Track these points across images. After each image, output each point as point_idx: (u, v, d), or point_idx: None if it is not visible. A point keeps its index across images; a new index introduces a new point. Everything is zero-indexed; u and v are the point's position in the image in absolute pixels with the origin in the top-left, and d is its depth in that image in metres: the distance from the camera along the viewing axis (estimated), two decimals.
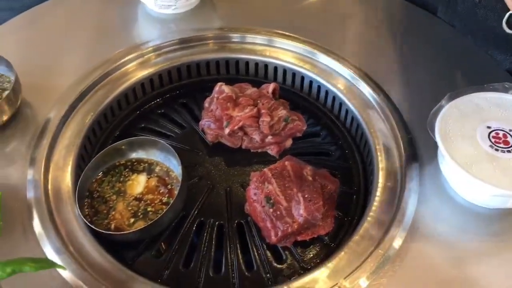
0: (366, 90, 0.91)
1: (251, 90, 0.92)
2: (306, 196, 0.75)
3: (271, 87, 0.92)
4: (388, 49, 0.98)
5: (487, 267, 0.70)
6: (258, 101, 0.89)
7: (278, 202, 0.75)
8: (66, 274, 0.68)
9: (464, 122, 0.74)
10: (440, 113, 0.75)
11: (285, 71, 0.99)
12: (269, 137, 0.87)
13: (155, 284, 0.69)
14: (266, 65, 1.00)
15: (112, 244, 0.75)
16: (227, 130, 0.86)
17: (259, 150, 0.89)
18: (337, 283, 0.68)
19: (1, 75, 0.90)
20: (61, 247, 0.71)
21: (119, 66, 0.95)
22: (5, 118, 0.85)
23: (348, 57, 0.96)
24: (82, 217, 0.74)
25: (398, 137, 0.84)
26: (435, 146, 0.78)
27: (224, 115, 0.86)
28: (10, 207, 0.75)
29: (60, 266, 0.58)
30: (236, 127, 0.86)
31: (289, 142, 0.90)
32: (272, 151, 0.88)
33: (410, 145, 0.83)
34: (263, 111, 0.87)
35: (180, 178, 0.79)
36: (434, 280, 0.69)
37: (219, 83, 0.92)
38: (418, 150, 0.82)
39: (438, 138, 0.72)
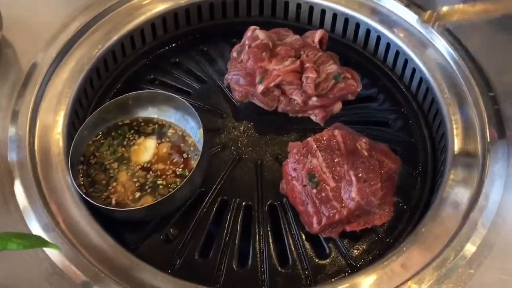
0: (442, 45, 0.89)
1: (292, 37, 0.91)
2: (360, 175, 0.74)
3: (317, 34, 0.90)
4: None
5: None
6: (302, 52, 0.87)
7: (323, 181, 0.75)
8: (56, 256, 0.68)
9: None
10: None
11: (335, 15, 0.98)
12: (314, 98, 0.85)
13: (164, 274, 0.69)
14: (311, 7, 0.98)
15: (112, 222, 0.75)
16: (260, 87, 0.84)
17: (300, 115, 0.88)
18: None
19: None
20: (50, 222, 0.71)
21: (119, 3, 0.94)
22: None
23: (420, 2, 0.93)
24: (76, 186, 0.74)
25: (481, 108, 0.83)
26: None
27: (257, 68, 0.85)
28: None
29: (53, 246, 0.58)
30: (272, 84, 0.84)
31: (338, 107, 0.88)
32: (317, 116, 0.87)
33: (496, 119, 0.81)
34: (307, 64, 0.85)
35: (199, 146, 0.78)
36: None
37: (252, 27, 0.90)
38: (506, 124, 0.80)
39: None
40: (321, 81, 0.85)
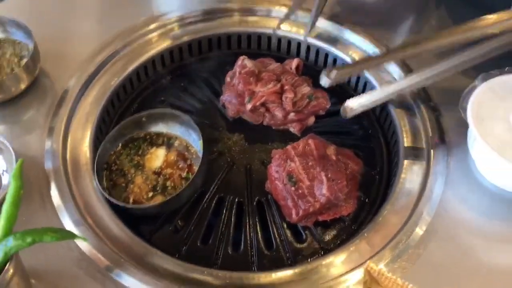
0: (393, 68, 0.89)
1: (274, 65, 0.90)
2: (329, 175, 0.73)
3: (294, 62, 0.90)
4: (416, 25, 0.95)
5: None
6: (282, 77, 0.87)
7: (300, 181, 0.74)
8: (84, 246, 0.68)
9: (498, 104, 0.71)
10: (473, 94, 0.72)
11: (308, 47, 0.97)
12: (292, 114, 0.85)
13: (173, 259, 0.68)
14: (289, 41, 0.98)
15: (130, 217, 0.74)
16: (249, 106, 0.84)
17: (281, 127, 0.87)
18: (358, 266, 0.67)
19: (19, 42, 0.89)
20: (79, 218, 0.70)
21: (139, 37, 0.94)
22: (23, 86, 0.84)
23: (374, 34, 0.93)
24: (101, 189, 0.73)
25: (425, 118, 0.82)
26: (464, 128, 0.76)
27: (246, 90, 0.84)
28: (28, 177, 0.74)
29: (81, 238, 0.57)
30: (258, 103, 0.84)
31: (311, 120, 0.88)
32: (294, 128, 0.86)
33: (438, 126, 0.81)
34: (286, 87, 0.85)
35: (200, 154, 0.77)
36: (460, 267, 0.67)
37: (242, 57, 0.89)
38: (446, 131, 0.80)
39: (470, 120, 0.70)
40: (298, 100, 0.85)
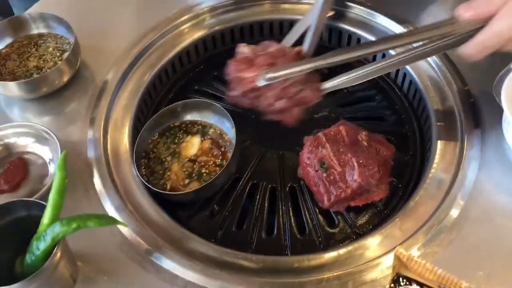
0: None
1: (273, 47, 0.83)
2: (361, 161, 0.74)
3: (296, 49, 0.83)
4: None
5: None
6: (277, 61, 0.80)
7: (332, 167, 0.75)
8: (125, 230, 0.71)
9: None
10: (508, 78, 0.71)
11: (340, 33, 0.96)
12: (280, 101, 0.79)
13: (209, 243, 0.71)
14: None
15: (167, 203, 0.77)
16: (235, 93, 0.81)
17: (274, 118, 0.82)
18: (390, 250, 0.68)
19: (61, 36, 0.93)
20: (120, 204, 0.73)
21: (173, 28, 0.96)
22: (65, 79, 0.87)
23: (404, 16, 0.91)
24: (140, 176, 0.76)
25: (459, 102, 0.81)
26: (499, 113, 0.75)
27: (235, 78, 0.81)
28: (72, 166, 0.77)
29: (122, 223, 0.60)
30: (242, 90, 0.79)
31: (296, 111, 0.80)
32: (287, 120, 0.81)
33: (472, 110, 0.79)
34: None
35: (233, 141, 0.79)
36: (493, 251, 0.67)
37: (240, 44, 0.85)
38: (480, 116, 0.79)
39: (504, 104, 0.68)
40: (287, 85, 0.78)
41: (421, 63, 0.87)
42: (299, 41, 0.86)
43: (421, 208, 0.72)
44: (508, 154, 0.74)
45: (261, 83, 0.75)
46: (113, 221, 0.59)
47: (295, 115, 0.80)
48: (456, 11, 0.66)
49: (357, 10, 0.95)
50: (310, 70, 0.75)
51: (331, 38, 0.98)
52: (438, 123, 0.80)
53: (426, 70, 0.87)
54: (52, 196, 0.57)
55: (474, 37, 0.65)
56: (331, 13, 0.93)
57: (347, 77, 0.76)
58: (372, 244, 0.69)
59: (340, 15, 0.95)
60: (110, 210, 0.73)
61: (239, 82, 0.80)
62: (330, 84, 0.78)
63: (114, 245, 0.70)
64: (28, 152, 0.80)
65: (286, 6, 0.98)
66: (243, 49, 0.83)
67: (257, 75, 0.77)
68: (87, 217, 0.56)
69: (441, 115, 0.81)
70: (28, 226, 0.60)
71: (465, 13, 0.65)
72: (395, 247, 0.67)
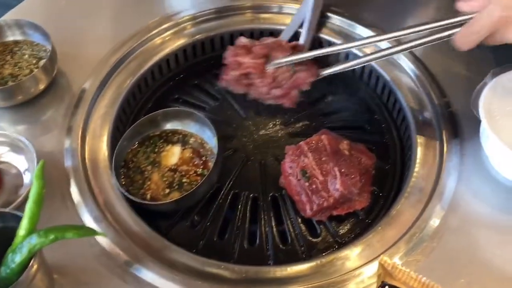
0: (405, 63, 0.89)
1: (270, 40, 0.85)
2: (343, 170, 0.74)
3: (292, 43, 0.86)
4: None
5: None
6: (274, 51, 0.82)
7: (314, 176, 0.75)
8: (104, 241, 0.69)
9: (509, 100, 0.71)
10: (484, 91, 0.72)
11: (320, 43, 0.96)
12: (275, 90, 0.81)
13: (190, 254, 0.70)
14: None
15: (148, 213, 0.75)
16: (229, 76, 0.82)
17: (273, 103, 0.84)
18: (372, 259, 0.67)
19: (37, 43, 0.91)
20: (99, 215, 0.72)
21: (153, 36, 0.94)
22: (41, 87, 0.85)
23: (385, 27, 0.92)
24: (119, 186, 0.74)
25: (438, 113, 0.82)
26: (476, 123, 0.76)
27: (233, 61, 0.82)
28: (48, 175, 0.72)
29: (101, 234, 0.59)
30: (239, 72, 0.81)
31: (294, 94, 0.82)
32: (286, 104, 0.83)
33: (450, 121, 0.80)
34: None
35: (215, 150, 0.78)
36: (472, 260, 0.67)
37: (240, 37, 0.87)
38: (459, 126, 0.80)
39: (482, 116, 0.70)
40: (279, 73, 0.81)
41: (400, 74, 0.88)
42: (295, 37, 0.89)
43: (402, 217, 0.72)
44: (486, 164, 0.76)
45: (269, 68, 0.79)
46: (92, 232, 0.58)
47: (293, 97, 0.82)
48: (456, 5, 0.69)
49: (337, 21, 0.96)
50: (315, 56, 0.80)
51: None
52: (418, 133, 0.81)
53: (406, 81, 0.88)
54: (29, 206, 0.55)
55: (465, 24, 0.67)
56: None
57: (343, 65, 0.80)
58: (354, 253, 0.69)
59: (320, 25, 0.96)
60: (89, 221, 0.71)
61: (235, 66, 0.82)
62: (328, 70, 0.81)
63: (92, 257, 0.68)
64: (2, 162, 0.78)
65: (267, 15, 0.99)
66: (242, 39, 0.85)
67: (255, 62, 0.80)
68: (65, 228, 0.55)
69: (421, 125, 0.82)
70: (3, 238, 0.58)
71: (464, 5, 0.68)
72: (377, 256, 0.68)
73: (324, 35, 0.95)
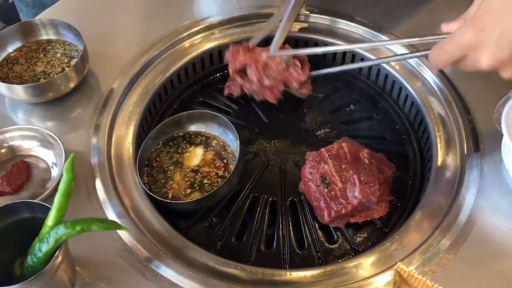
0: (429, 75, 0.89)
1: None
2: (362, 178, 0.75)
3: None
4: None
5: None
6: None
7: (333, 183, 0.75)
8: (125, 237, 0.71)
9: None
10: (507, 105, 0.72)
11: (344, 54, 0.98)
12: (266, 80, 0.86)
13: (208, 253, 0.71)
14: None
15: (169, 212, 0.77)
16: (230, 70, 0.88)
17: (260, 98, 0.89)
18: (387, 268, 0.68)
19: (70, 43, 0.94)
20: (122, 211, 0.74)
21: (181, 39, 0.97)
22: (72, 85, 0.88)
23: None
24: (142, 184, 0.76)
25: (460, 126, 0.82)
26: (498, 138, 0.76)
27: (231, 59, 0.88)
28: (75, 171, 0.76)
29: (125, 229, 0.60)
30: (238, 66, 0.87)
31: (280, 87, 0.87)
32: (270, 98, 0.87)
33: (472, 135, 0.81)
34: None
35: (236, 153, 0.80)
36: (488, 275, 0.67)
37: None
38: (480, 140, 0.80)
39: (504, 130, 0.70)
40: (273, 64, 0.86)
41: (423, 86, 0.88)
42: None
43: (419, 227, 0.72)
44: (506, 178, 0.75)
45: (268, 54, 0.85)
46: (117, 226, 0.60)
47: (277, 92, 0.87)
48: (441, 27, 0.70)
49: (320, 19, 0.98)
50: (313, 53, 0.88)
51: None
52: (439, 145, 0.81)
53: (428, 92, 0.88)
54: (57, 198, 0.57)
55: (438, 44, 0.67)
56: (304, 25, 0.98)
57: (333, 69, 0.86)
58: (370, 261, 0.69)
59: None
60: (112, 216, 0.73)
61: (233, 61, 0.87)
62: (317, 72, 0.86)
63: (114, 251, 0.70)
64: (31, 156, 0.81)
65: (294, 23, 1.00)
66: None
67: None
68: (91, 220, 0.56)
69: (442, 136, 0.82)
70: (31, 228, 0.60)
71: (445, 27, 0.69)
72: (392, 265, 0.68)
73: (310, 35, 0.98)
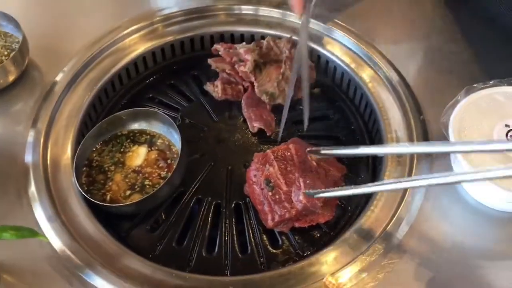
0: (383, 73, 0.86)
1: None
2: (308, 182, 0.71)
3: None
4: (409, 35, 0.92)
5: (492, 270, 0.66)
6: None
7: (277, 186, 0.72)
8: (56, 243, 0.67)
9: (481, 119, 0.68)
10: (456, 109, 0.69)
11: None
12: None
13: (146, 260, 0.67)
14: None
15: (107, 214, 0.73)
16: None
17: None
18: (324, 277, 0.65)
19: (11, 35, 0.89)
20: (53, 215, 0.70)
21: (130, 33, 0.93)
22: (11, 78, 0.83)
23: (365, 36, 0.90)
24: (78, 185, 0.72)
25: (412, 128, 0.79)
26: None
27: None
28: (7, 169, 0.74)
29: (43, 237, 0.56)
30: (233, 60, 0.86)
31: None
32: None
33: (423, 138, 0.78)
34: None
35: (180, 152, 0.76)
36: (434, 279, 0.65)
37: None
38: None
39: (451, 135, 0.67)
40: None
41: (379, 86, 0.86)
42: None
43: (365, 232, 0.70)
44: (456, 186, 0.73)
45: None
46: (33, 234, 0.56)
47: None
48: None
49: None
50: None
51: None
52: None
53: (383, 92, 0.85)
54: None
55: None
56: None
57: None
58: (313, 267, 0.66)
59: None
60: (42, 219, 0.69)
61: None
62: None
63: (42, 258, 0.66)
64: None
65: (248, 18, 0.96)
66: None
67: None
68: (3, 228, 0.52)
69: (394, 138, 0.79)
70: None
71: None
72: (336, 271, 0.65)
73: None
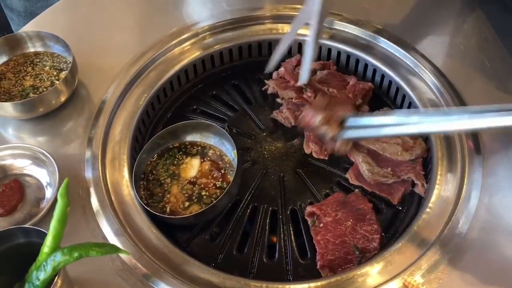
0: (428, 77, 0.88)
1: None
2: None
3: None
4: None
5: None
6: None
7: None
8: (125, 255, 0.69)
9: None
10: None
11: (348, 57, 0.95)
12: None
13: (209, 268, 0.69)
14: (329, 49, 0.97)
15: (167, 225, 0.76)
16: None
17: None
18: (395, 276, 0.67)
19: (58, 55, 0.91)
20: (119, 229, 0.72)
21: (171, 47, 0.95)
22: (62, 99, 0.86)
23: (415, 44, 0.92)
24: (138, 198, 0.75)
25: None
26: (499, 135, 0.75)
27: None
28: (70, 187, 0.76)
29: (124, 252, 0.59)
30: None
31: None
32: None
33: (472, 137, 0.79)
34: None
35: (234, 163, 0.78)
36: (497, 277, 0.66)
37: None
38: (481, 143, 0.79)
39: None
40: None
41: (422, 87, 0.87)
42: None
43: (423, 233, 0.71)
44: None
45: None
46: (116, 249, 0.58)
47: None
48: None
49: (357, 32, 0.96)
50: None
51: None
52: (439, 148, 0.80)
53: (426, 92, 0.87)
54: (53, 225, 0.55)
55: None
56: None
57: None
58: (376, 270, 0.68)
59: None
60: (110, 234, 0.72)
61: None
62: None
63: (113, 271, 0.68)
64: (24, 174, 0.79)
65: (286, 26, 0.98)
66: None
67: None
68: (89, 246, 0.55)
69: (443, 141, 0.81)
70: (28, 252, 0.58)
71: None
72: (399, 273, 0.67)
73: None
